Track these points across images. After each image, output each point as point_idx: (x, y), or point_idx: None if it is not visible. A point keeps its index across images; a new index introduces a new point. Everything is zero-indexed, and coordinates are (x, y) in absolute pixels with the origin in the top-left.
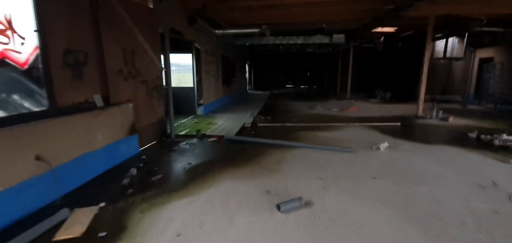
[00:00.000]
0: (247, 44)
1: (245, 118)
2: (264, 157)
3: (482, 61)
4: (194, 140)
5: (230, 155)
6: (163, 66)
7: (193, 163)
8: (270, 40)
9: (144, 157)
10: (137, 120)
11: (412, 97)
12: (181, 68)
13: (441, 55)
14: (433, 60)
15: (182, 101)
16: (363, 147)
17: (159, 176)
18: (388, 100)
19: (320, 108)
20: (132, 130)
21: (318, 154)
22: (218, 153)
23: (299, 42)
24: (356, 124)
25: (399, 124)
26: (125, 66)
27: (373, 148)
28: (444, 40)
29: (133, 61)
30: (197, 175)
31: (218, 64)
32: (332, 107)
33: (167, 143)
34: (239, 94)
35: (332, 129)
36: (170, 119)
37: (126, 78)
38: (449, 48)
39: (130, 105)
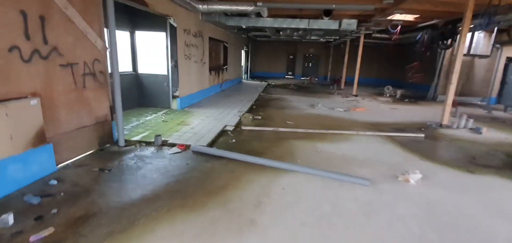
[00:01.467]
0: (243, 26)
1: (230, 116)
2: (238, 190)
3: (510, 60)
4: (149, 150)
5: (187, 182)
6: (107, 45)
7: (125, 197)
8: (267, 22)
9: (54, 182)
10: (51, 124)
11: (426, 97)
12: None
13: (464, 51)
14: (454, 56)
15: (153, 92)
16: (383, 175)
17: (46, 233)
18: (399, 99)
19: (322, 107)
20: (39, 139)
21: (320, 187)
22: (173, 175)
23: (301, 26)
24: (368, 133)
25: (422, 135)
26: (25, 41)
27: (399, 178)
28: (470, 34)
29: (43, 33)
30: (119, 229)
31: (203, 48)
32: (336, 106)
33: (108, 155)
34: (231, 84)
35: (337, 139)
36: (117, 119)
37: (28, 58)
38: (473, 44)
39: (35, 101)
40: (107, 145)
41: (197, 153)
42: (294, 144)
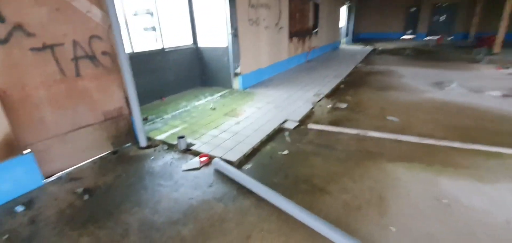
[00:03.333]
0: None
1: (300, 103)
2: None
3: None
4: (167, 157)
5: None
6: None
7: None
8: None
9: (20, 209)
10: (30, 128)
11: None
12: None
13: None
14: None
15: (214, 68)
16: None
17: None
18: None
19: (457, 88)
20: (6, 150)
21: None
22: (171, 213)
23: None
24: None
25: None
26: None
27: None
28: None
29: None
30: None
31: (280, 8)
32: (486, 86)
33: (117, 161)
34: (322, 51)
35: (492, 169)
36: (133, 114)
37: None
38: None
39: None
40: (127, 144)
41: (220, 173)
42: (390, 173)
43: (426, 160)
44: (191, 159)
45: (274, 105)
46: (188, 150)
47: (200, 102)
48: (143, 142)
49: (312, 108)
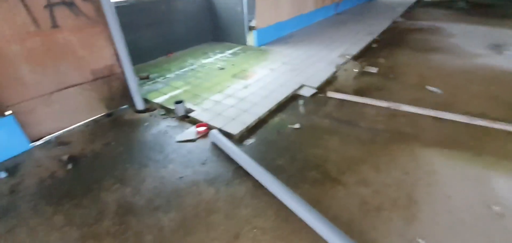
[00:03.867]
0: None
1: (322, 65)
2: None
3: None
4: (163, 124)
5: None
6: None
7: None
8: None
9: (2, 175)
10: (9, 88)
11: None
12: None
13: None
14: None
15: (227, 21)
16: None
17: None
18: None
19: None
20: None
21: None
22: (153, 196)
23: None
24: None
25: None
26: None
27: None
28: None
29: None
30: None
31: None
32: None
33: (110, 125)
34: (356, 2)
35: None
36: (125, 73)
37: None
38: None
39: None
40: (124, 106)
41: (217, 148)
42: (425, 163)
43: (474, 148)
44: (187, 129)
45: (291, 67)
46: (186, 117)
47: (209, 60)
48: (140, 105)
49: (336, 72)
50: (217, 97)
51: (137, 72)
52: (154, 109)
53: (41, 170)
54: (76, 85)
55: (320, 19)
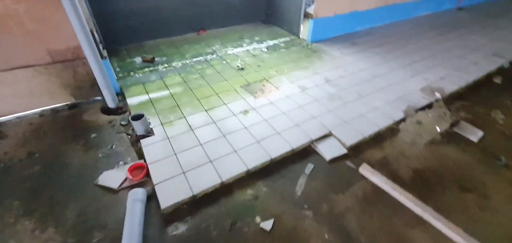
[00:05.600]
0: None
1: (388, 97)
2: None
3: None
4: (116, 142)
5: None
6: None
7: None
8: None
9: None
10: None
11: None
12: None
13: None
14: None
15: (283, 2)
16: None
17: None
18: None
19: None
20: None
21: None
22: None
23: None
24: None
25: None
26: None
27: None
28: None
29: None
30: None
31: None
32: None
33: (67, 124)
34: None
35: None
36: (87, 58)
37: None
38: None
39: None
40: (97, 98)
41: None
42: None
43: None
44: (123, 165)
45: (332, 91)
46: (144, 137)
47: (237, 50)
48: (110, 102)
49: (400, 121)
50: (198, 118)
51: (150, 49)
52: (125, 111)
53: None
54: (27, 66)
55: (426, 13)
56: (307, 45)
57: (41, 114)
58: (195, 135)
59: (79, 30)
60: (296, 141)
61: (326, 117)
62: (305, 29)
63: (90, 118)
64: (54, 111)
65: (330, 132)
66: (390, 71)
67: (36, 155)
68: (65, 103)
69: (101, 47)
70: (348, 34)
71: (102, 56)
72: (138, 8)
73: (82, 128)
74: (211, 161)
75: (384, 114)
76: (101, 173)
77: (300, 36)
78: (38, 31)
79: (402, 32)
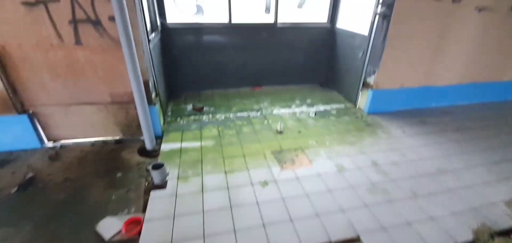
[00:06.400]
0: None
1: (456, 206)
2: None
3: None
4: (132, 188)
5: None
6: None
7: None
8: None
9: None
10: (29, 89)
11: None
12: None
13: None
14: None
15: (343, 64)
16: None
17: None
18: None
19: None
20: (1, 105)
21: None
22: None
23: None
24: None
25: None
26: None
27: None
28: None
29: None
30: None
31: None
32: None
33: (108, 158)
34: None
35: None
36: (136, 103)
37: None
38: None
39: None
40: (141, 137)
41: None
42: None
43: None
44: (122, 215)
45: (375, 180)
46: (157, 189)
47: (282, 110)
48: (148, 144)
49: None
50: (214, 179)
51: (204, 98)
52: (156, 156)
53: (5, 178)
54: (93, 103)
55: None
56: (362, 116)
57: (93, 144)
58: (202, 200)
59: (133, 80)
60: (309, 239)
61: (358, 214)
62: (363, 98)
63: (126, 156)
64: (104, 143)
65: (358, 237)
66: (466, 167)
67: (69, 182)
68: (114, 138)
69: (153, 94)
70: (418, 109)
71: (150, 102)
72: (208, 61)
73: (115, 165)
74: (203, 238)
75: (443, 231)
76: (104, 218)
77: (357, 105)
78: (106, 77)
79: (494, 116)
